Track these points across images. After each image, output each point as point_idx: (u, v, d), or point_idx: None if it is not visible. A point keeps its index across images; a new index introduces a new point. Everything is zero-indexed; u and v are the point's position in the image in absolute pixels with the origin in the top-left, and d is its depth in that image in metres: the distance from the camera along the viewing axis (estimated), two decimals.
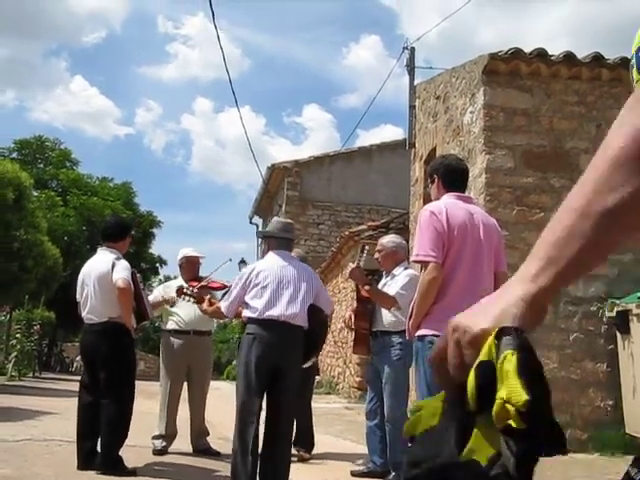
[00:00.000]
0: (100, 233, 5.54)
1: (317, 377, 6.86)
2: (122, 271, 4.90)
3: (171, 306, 5.87)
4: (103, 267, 4.99)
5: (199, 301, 5.25)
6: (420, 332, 3.44)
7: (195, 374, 5.99)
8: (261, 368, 4.08)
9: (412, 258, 3.63)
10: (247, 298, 4.23)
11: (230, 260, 6.90)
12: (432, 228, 3.42)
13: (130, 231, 5.49)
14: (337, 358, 14.67)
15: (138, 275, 5.25)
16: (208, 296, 5.30)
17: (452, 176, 3.73)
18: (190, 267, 6.15)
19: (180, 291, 5.43)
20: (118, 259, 5.02)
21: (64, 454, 5.24)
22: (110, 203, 27.35)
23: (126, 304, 4.87)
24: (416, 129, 10.64)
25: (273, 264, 4.30)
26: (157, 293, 6.26)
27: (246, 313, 4.24)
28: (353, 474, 5.26)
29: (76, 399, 5.15)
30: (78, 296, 5.15)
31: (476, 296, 3.53)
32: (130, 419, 4.93)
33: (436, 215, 3.45)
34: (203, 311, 5.21)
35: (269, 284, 4.18)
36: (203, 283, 5.69)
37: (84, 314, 5.05)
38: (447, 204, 3.54)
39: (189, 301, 5.42)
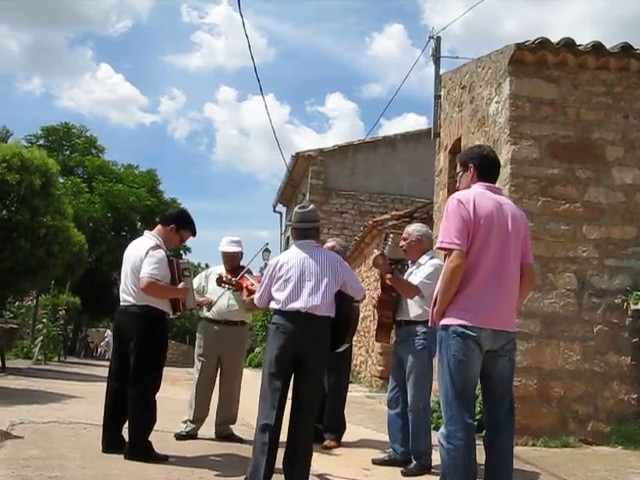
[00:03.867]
0: None
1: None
2: (149, 265, 4.82)
3: (208, 310, 5.99)
4: (138, 252, 4.98)
5: (238, 289, 5.68)
6: (444, 321, 3.44)
7: (226, 363, 6.03)
8: (282, 357, 4.16)
9: (436, 245, 3.63)
10: (273, 290, 4.33)
11: (267, 244, 8.20)
12: (458, 216, 3.42)
13: (172, 221, 5.17)
14: (359, 347, 14.69)
15: (183, 262, 5.19)
16: (245, 284, 5.54)
17: (488, 166, 3.71)
18: (229, 260, 6.14)
19: (220, 280, 5.68)
20: (154, 248, 4.94)
21: (89, 437, 5.33)
22: (135, 190, 27.57)
23: (155, 296, 4.87)
24: (441, 119, 10.58)
25: (296, 256, 4.36)
26: (198, 281, 6.22)
27: (272, 305, 4.35)
28: (374, 462, 5.28)
29: (100, 384, 5.22)
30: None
31: (500, 286, 3.51)
32: (156, 405, 4.94)
33: (463, 204, 3.45)
34: (243, 301, 5.68)
35: (291, 277, 4.25)
36: (237, 279, 5.77)
37: (121, 294, 5.06)
38: (476, 193, 3.53)
39: (230, 289, 5.81)
